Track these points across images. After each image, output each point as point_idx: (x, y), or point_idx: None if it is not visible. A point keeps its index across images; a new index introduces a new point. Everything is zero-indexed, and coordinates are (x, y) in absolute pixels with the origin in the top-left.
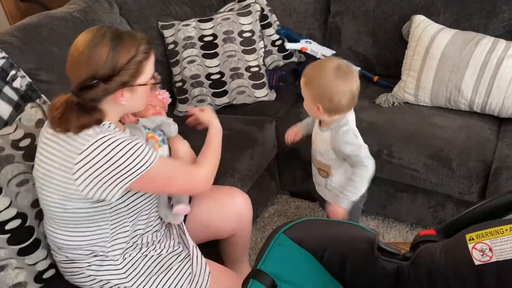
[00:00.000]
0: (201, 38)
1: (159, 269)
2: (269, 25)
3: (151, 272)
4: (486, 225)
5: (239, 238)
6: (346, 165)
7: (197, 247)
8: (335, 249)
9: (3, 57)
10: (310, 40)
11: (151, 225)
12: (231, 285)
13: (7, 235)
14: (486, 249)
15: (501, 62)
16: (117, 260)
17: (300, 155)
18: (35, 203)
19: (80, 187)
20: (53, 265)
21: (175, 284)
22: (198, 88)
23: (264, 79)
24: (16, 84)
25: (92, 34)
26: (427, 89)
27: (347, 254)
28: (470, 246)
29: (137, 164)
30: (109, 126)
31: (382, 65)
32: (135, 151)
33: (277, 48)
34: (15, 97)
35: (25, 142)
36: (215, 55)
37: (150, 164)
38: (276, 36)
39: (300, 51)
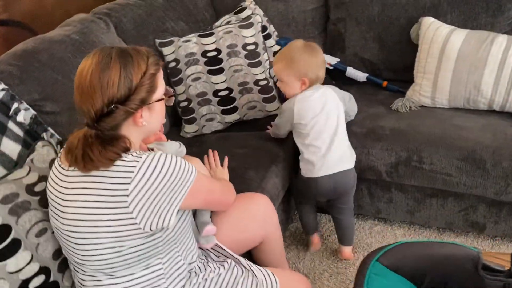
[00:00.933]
0: (204, 54)
1: (226, 287)
2: (268, 36)
3: None
4: None
5: (271, 243)
6: None
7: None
8: (435, 272)
9: (2, 89)
10: None
11: (195, 251)
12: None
13: None
14: None
15: None
16: None
17: None
18: (57, 254)
19: (138, 219)
20: None
21: None
22: (205, 107)
23: (274, 92)
24: (20, 118)
25: (96, 58)
26: (444, 91)
27: (449, 276)
28: None
29: (185, 178)
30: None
31: (390, 69)
32: (179, 165)
33: None
34: (20, 133)
35: (40, 187)
36: (221, 70)
37: (194, 176)
38: (277, 47)
39: None
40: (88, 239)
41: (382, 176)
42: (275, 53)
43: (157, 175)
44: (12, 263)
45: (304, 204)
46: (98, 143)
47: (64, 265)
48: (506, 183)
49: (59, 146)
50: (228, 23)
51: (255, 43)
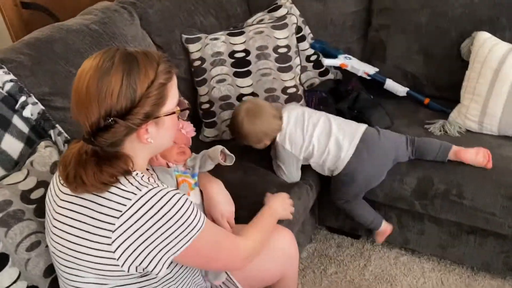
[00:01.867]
0: (231, 54)
1: None
2: (303, 38)
3: None
4: None
5: (288, 281)
6: None
7: None
8: None
9: (11, 80)
10: (350, 56)
11: (202, 286)
12: None
13: None
14: None
15: None
16: None
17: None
18: (49, 271)
19: (120, 261)
20: None
21: None
22: (228, 111)
23: (302, 102)
24: (27, 113)
25: (97, 60)
26: (495, 117)
27: None
28: None
29: (187, 228)
30: (141, 176)
31: (434, 86)
32: (186, 210)
33: (312, 64)
34: (25, 129)
35: (37, 193)
36: (248, 73)
37: (200, 228)
38: (311, 51)
39: (338, 68)
40: (70, 268)
41: (415, 207)
42: (308, 58)
43: (152, 216)
44: None
45: (353, 200)
46: (93, 163)
47: (57, 284)
48: None
49: (66, 145)
50: (260, 21)
51: (288, 46)
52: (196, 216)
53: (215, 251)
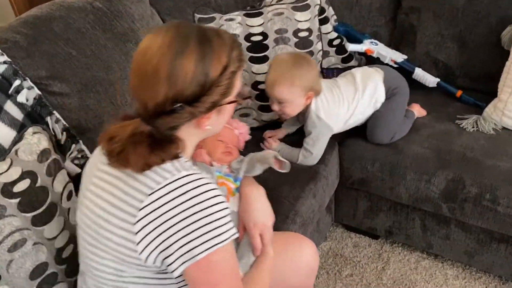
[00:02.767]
0: (248, 37)
1: None
2: (326, 20)
3: None
4: None
5: None
6: None
7: None
8: None
9: (4, 62)
10: (376, 41)
11: None
12: None
13: None
14: None
15: None
16: None
17: (369, 186)
18: (37, 273)
19: (139, 247)
20: None
21: None
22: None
23: None
24: (21, 98)
25: (169, 38)
26: None
27: None
28: None
29: (216, 230)
30: (185, 160)
31: (468, 77)
32: (220, 211)
33: (335, 49)
34: (19, 115)
35: (22, 185)
36: (265, 59)
37: (228, 238)
38: (334, 34)
39: (362, 54)
40: (91, 246)
41: (441, 210)
42: (330, 42)
43: (183, 202)
44: None
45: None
46: (146, 144)
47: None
48: None
49: (64, 133)
50: (280, 0)
51: (309, 29)
52: (228, 223)
53: (223, 277)
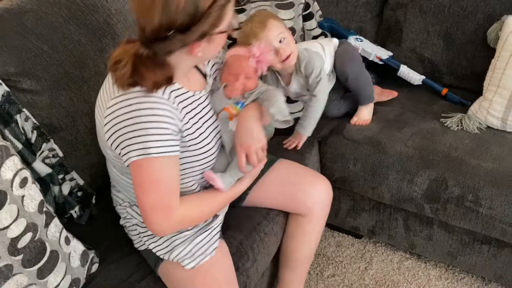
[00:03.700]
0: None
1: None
2: (310, 16)
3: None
4: None
5: (311, 223)
6: None
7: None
8: None
9: None
10: (361, 37)
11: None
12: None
13: None
14: None
15: None
16: None
17: (351, 186)
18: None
19: (107, 135)
20: None
21: None
22: None
23: None
24: None
25: None
26: None
27: None
28: None
29: (154, 144)
30: (179, 89)
31: (454, 74)
32: (161, 129)
33: None
34: None
35: None
36: None
37: (158, 152)
38: (319, 31)
39: None
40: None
41: (424, 211)
42: (314, 38)
43: (131, 112)
44: None
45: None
46: (148, 64)
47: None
48: None
49: (34, 132)
50: None
51: (292, 29)
52: (162, 141)
53: (153, 183)
